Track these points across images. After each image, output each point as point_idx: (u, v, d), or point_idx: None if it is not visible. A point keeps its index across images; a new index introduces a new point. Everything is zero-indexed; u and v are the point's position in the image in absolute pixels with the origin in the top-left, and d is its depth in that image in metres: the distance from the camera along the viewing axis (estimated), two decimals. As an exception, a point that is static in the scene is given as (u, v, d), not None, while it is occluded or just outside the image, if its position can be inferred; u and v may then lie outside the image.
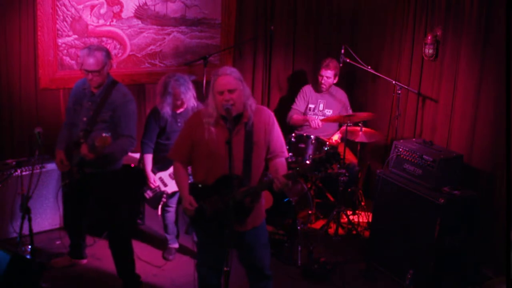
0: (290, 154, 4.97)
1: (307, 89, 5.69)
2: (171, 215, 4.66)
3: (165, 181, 4.55)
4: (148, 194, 4.58)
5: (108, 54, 3.92)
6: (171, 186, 4.53)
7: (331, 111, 5.57)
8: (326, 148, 4.97)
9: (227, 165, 3.11)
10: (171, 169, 4.43)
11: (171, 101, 4.41)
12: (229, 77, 3.19)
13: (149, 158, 4.52)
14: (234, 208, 3.06)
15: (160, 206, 4.59)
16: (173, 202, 4.63)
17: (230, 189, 3.10)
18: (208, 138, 3.23)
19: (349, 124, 5.09)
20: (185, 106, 4.50)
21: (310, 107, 5.63)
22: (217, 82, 3.19)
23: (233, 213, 3.06)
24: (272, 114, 3.39)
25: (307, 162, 4.98)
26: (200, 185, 3.30)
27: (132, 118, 3.95)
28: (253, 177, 3.28)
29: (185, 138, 3.37)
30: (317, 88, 5.61)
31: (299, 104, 5.66)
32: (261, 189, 3.33)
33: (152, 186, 4.54)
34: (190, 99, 4.47)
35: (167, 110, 4.44)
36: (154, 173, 4.55)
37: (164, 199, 4.55)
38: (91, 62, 3.82)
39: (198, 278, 3.51)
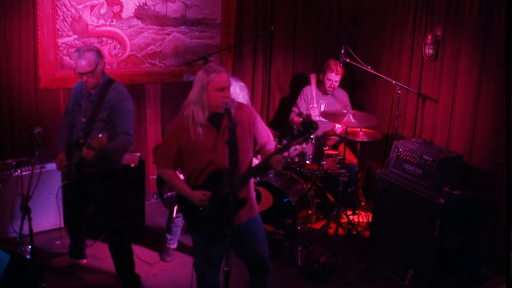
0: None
1: (308, 90, 5.69)
2: (179, 220, 4.63)
3: None
4: (167, 194, 4.54)
5: (98, 53, 3.91)
6: None
7: (332, 111, 5.58)
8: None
9: (218, 164, 3.22)
10: None
11: None
12: (226, 74, 3.24)
13: None
14: (234, 204, 3.08)
15: (175, 208, 4.55)
16: None
17: (225, 184, 3.13)
18: (196, 139, 3.24)
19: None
20: None
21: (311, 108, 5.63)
22: (216, 79, 3.19)
23: (234, 209, 3.08)
24: (252, 108, 3.46)
25: (307, 162, 4.99)
26: (195, 185, 3.32)
27: (128, 116, 3.94)
28: (242, 170, 3.30)
29: (171, 144, 3.36)
30: (322, 89, 5.62)
31: (300, 106, 5.67)
32: (257, 170, 3.37)
33: None
34: None
35: None
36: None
37: None
38: (83, 64, 3.82)
39: (196, 278, 3.51)
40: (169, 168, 3.39)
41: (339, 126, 5.50)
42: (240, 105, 3.38)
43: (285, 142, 3.25)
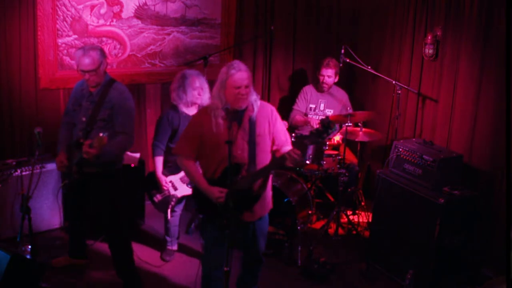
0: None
1: (308, 89, 5.69)
2: (175, 219, 4.65)
3: (175, 185, 4.52)
4: (157, 197, 4.55)
5: (102, 52, 3.93)
6: (181, 190, 4.51)
7: (331, 111, 5.57)
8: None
9: (236, 157, 3.29)
10: (182, 173, 4.42)
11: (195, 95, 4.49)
12: (246, 73, 3.32)
13: (160, 161, 4.48)
14: (236, 200, 3.14)
15: (169, 210, 4.55)
16: (180, 207, 4.61)
17: (241, 178, 3.22)
18: (216, 131, 3.33)
19: (349, 124, 5.08)
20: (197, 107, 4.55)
21: (311, 107, 5.63)
22: (234, 76, 3.28)
23: (233, 206, 3.14)
24: (274, 108, 3.54)
25: (307, 162, 4.98)
26: (213, 178, 3.37)
27: (129, 116, 3.95)
28: (259, 167, 3.36)
29: (193, 134, 3.43)
30: (318, 87, 5.61)
31: (300, 105, 5.66)
32: (272, 168, 3.42)
33: (165, 188, 4.51)
34: (206, 100, 4.49)
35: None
36: (165, 175, 4.53)
37: (172, 203, 4.53)
38: (86, 62, 3.83)
39: (202, 273, 3.55)
40: (190, 158, 3.45)
41: (338, 139, 5.51)
42: (263, 104, 3.47)
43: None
